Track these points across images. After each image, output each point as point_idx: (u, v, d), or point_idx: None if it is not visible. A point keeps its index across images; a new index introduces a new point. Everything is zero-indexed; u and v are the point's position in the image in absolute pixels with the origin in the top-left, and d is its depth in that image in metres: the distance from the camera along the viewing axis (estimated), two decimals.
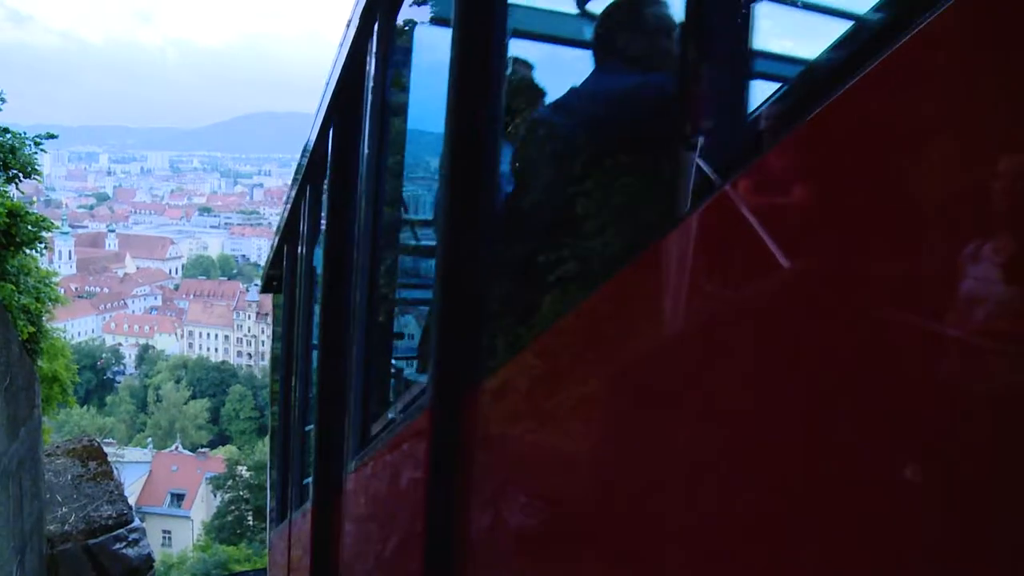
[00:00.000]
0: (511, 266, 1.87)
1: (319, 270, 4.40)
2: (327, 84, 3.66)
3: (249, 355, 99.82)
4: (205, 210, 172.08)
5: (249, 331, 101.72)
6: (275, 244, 7.72)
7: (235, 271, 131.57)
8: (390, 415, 2.74)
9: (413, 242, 3.23)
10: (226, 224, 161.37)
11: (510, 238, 1.91)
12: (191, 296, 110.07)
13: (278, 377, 7.51)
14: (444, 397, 1.83)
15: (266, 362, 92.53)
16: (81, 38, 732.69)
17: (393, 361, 3.17)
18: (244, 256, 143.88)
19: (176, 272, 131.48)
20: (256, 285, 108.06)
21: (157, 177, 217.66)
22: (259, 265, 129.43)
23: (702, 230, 1.04)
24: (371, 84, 2.85)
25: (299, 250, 5.56)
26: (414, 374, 2.92)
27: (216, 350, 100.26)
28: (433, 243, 2.43)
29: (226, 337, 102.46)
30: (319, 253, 4.56)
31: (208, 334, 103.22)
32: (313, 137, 4.28)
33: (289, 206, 6.01)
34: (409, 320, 3.24)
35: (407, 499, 2.21)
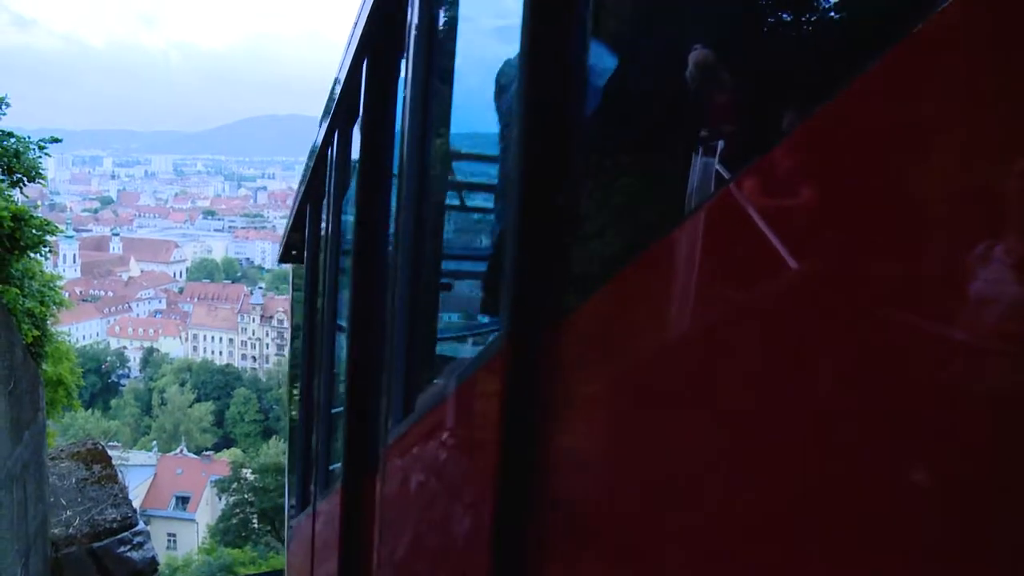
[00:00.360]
0: (602, 177, 1.52)
1: (350, 218, 3.82)
2: (361, 6, 3.17)
3: (253, 358, 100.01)
4: (209, 213, 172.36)
5: (253, 334, 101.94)
6: (296, 204, 6.77)
7: (239, 274, 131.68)
8: (442, 376, 2.37)
9: (472, 177, 2.77)
10: (230, 227, 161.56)
11: (601, 146, 1.53)
12: (195, 299, 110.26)
13: (297, 373, 7.10)
14: (519, 340, 1.51)
15: (270, 364, 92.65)
16: (84, 41, 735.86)
17: (443, 312, 2.74)
18: (248, 259, 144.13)
19: (180, 275, 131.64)
20: (260, 288, 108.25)
21: (161, 180, 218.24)
22: (263, 268, 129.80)
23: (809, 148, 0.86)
24: (416, 4, 2.44)
25: (326, 206, 4.85)
26: (471, 323, 2.51)
27: (220, 353, 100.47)
28: (491, 181, 2.15)
29: (230, 340, 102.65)
30: (350, 204, 3.97)
31: (212, 337, 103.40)
32: (343, 73, 3.70)
33: (314, 157, 5.22)
34: (463, 251, 2.81)
35: (471, 469, 1.91)
